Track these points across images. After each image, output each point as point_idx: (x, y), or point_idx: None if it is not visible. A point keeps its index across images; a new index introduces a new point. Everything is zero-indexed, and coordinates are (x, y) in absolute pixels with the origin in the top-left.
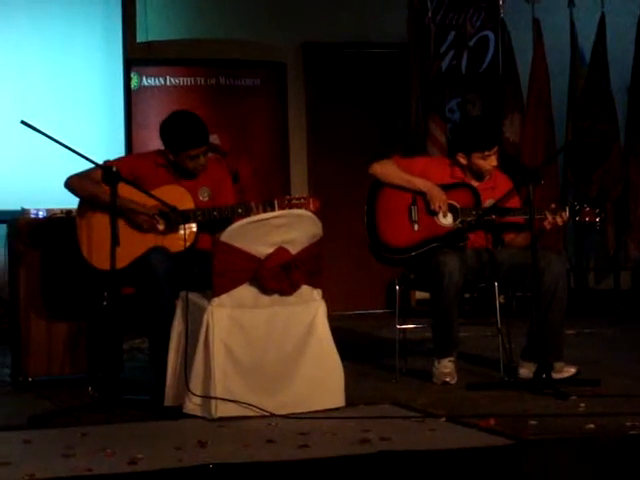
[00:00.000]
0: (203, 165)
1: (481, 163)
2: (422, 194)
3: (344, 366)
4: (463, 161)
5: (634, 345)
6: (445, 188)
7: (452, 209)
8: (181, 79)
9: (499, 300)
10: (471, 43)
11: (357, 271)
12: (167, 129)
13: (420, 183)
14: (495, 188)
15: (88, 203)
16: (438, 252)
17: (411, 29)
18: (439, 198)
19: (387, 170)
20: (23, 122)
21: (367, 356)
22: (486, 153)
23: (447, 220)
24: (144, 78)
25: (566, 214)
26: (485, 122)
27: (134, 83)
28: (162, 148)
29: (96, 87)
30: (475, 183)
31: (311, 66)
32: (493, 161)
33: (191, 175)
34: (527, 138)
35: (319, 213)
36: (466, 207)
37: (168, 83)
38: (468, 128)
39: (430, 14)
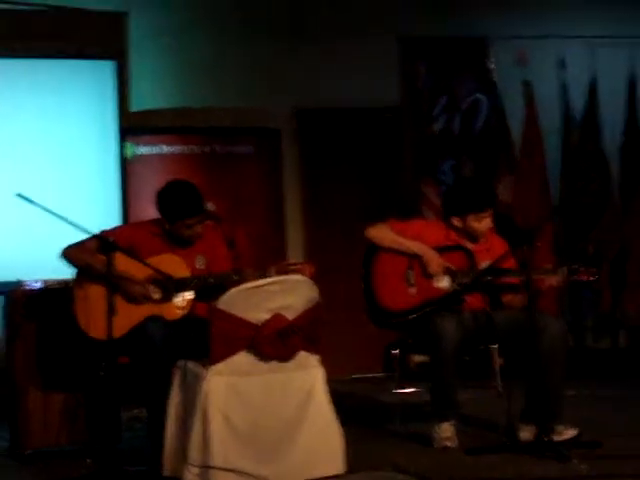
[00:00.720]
0: (199, 233)
1: (476, 225)
2: (418, 257)
3: (344, 430)
4: (458, 224)
5: (634, 405)
6: (440, 251)
7: (448, 271)
8: (176, 147)
9: (499, 362)
10: (463, 106)
11: (355, 335)
12: (163, 199)
13: (415, 246)
14: (490, 250)
15: (84, 273)
16: (435, 315)
17: (403, 93)
18: (435, 261)
19: (382, 234)
20: (19, 195)
21: (367, 420)
22: (480, 215)
23: (444, 283)
24: (138, 147)
25: (563, 275)
26: (479, 184)
27: (129, 152)
28: (157, 217)
29: (91, 157)
30: (470, 245)
31: (305, 131)
32: (488, 223)
33: (187, 243)
34: (519, 199)
35: (315, 278)
36: (462, 269)
37: (163, 151)
38: (462, 190)
39: (422, 79)
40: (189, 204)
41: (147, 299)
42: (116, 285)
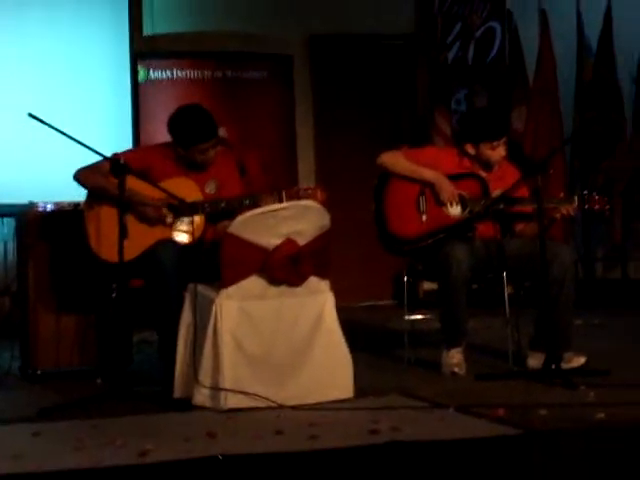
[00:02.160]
0: (212, 158)
1: (489, 153)
2: (430, 185)
3: (352, 357)
4: (471, 151)
5: None
6: (453, 178)
7: (460, 199)
8: (188, 72)
9: (507, 291)
10: (477, 34)
11: (365, 263)
12: (176, 124)
13: (429, 174)
14: (503, 178)
15: (96, 196)
16: (446, 243)
17: (418, 20)
18: (447, 189)
19: (395, 161)
20: (30, 115)
21: (375, 347)
22: (494, 143)
23: (455, 210)
24: (151, 71)
25: (575, 203)
26: (493, 112)
27: (141, 76)
28: (169, 141)
29: (103, 80)
30: (483, 173)
31: (318, 58)
32: (501, 151)
33: (199, 168)
34: (530, 128)
35: (326, 203)
36: (474, 197)
37: (175, 76)
38: (476, 118)
39: (437, 5)
40: (202, 129)
41: (160, 222)
42: (129, 206)
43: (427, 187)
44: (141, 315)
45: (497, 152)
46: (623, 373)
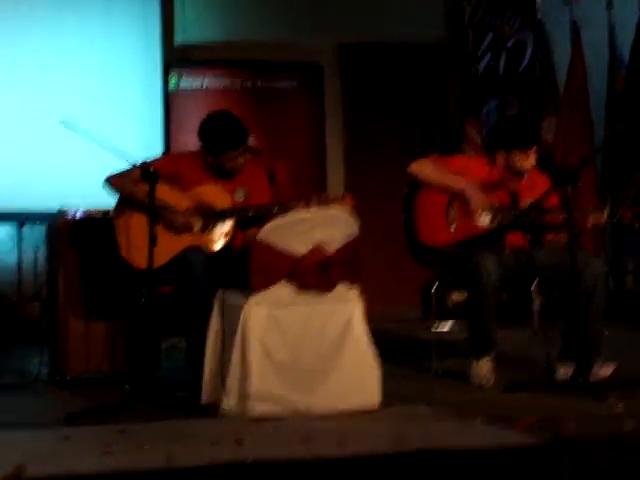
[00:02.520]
0: (242, 165)
1: (520, 162)
2: (460, 194)
3: (380, 367)
4: (502, 160)
5: None
6: (483, 188)
7: (490, 209)
8: (218, 81)
9: (537, 302)
10: (509, 45)
11: (394, 271)
12: (206, 131)
13: (459, 182)
14: (534, 187)
15: (126, 202)
16: (476, 252)
17: (449, 30)
18: (477, 198)
19: (425, 170)
20: (62, 122)
21: (403, 357)
22: (525, 152)
23: (485, 220)
24: (182, 80)
25: (605, 214)
26: (524, 121)
27: (172, 85)
28: (199, 148)
29: (135, 89)
30: (514, 182)
31: (348, 67)
32: (532, 160)
33: (229, 175)
34: (561, 139)
35: (355, 210)
36: (504, 207)
37: (205, 85)
38: (508, 127)
39: (468, 15)
40: (232, 136)
41: (188, 229)
42: (158, 214)
43: (457, 197)
44: (170, 322)
45: (528, 161)
46: None
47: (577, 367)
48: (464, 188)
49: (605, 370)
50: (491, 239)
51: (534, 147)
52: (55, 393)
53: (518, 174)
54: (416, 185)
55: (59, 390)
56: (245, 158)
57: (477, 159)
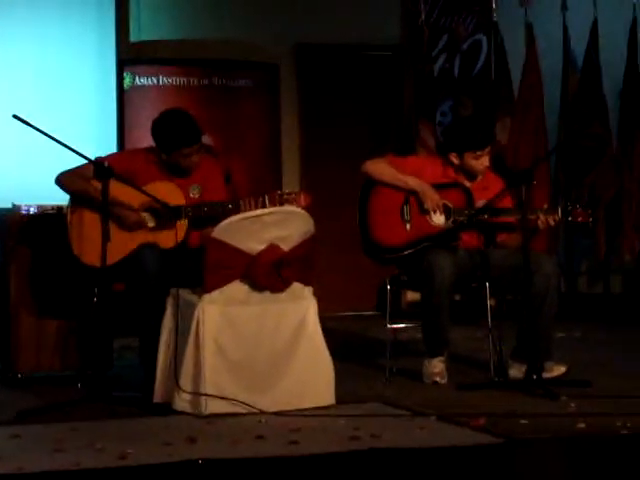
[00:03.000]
0: (196, 163)
1: (473, 163)
2: (414, 193)
3: (334, 366)
4: (456, 161)
5: (624, 348)
6: (438, 187)
7: (445, 209)
8: (174, 79)
9: (490, 302)
10: (464, 46)
11: (348, 272)
12: (159, 129)
13: (413, 182)
14: (488, 188)
15: (78, 200)
16: (430, 251)
17: (405, 31)
18: (432, 198)
19: (380, 169)
20: (15, 116)
21: (357, 356)
22: (478, 153)
23: (439, 220)
24: (137, 78)
25: (558, 214)
26: (478, 122)
27: (127, 82)
28: (153, 145)
29: (89, 86)
30: (467, 183)
31: (304, 67)
32: (485, 161)
33: (183, 173)
34: (514, 141)
35: (310, 209)
36: (458, 207)
37: (161, 83)
38: (461, 128)
39: (423, 16)
40: (185, 134)
41: (141, 227)
42: (110, 212)
43: (411, 195)
44: (123, 321)
45: (481, 162)
46: (603, 384)
47: (529, 366)
48: (418, 187)
49: (557, 370)
50: (446, 239)
51: (487, 148)
52: (6, 391)
53: (471, 175)
54: (370, 184)
55: (10, 388)
56: (200, 156)
57: (431, 159)
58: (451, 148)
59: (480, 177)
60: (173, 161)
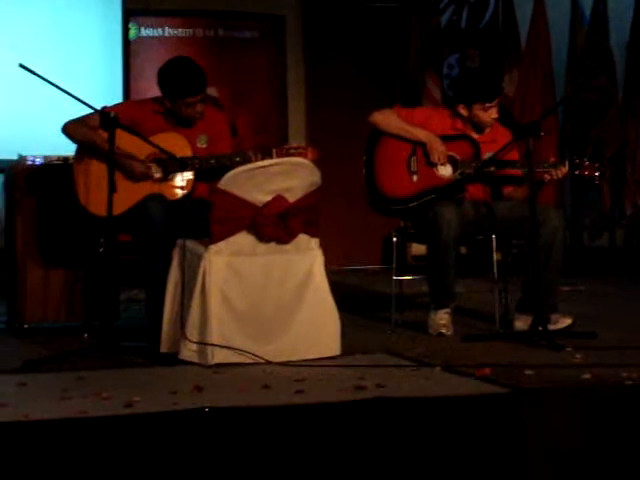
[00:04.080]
0: (200, 113)
1: (482, 115)
2: (422, 145)
3: (340, 318)
4: (464, 112)
5: (629, 300)
6: (445, 139)
7: (452, 160)
8: (179, 30)
9: (496, 256)
10: None
11: (354, 225)
12: (164, 76)
13: (421, 133)
14: (495, 141)
15: (85, 149)
16: (436, 203)
17: None
18: (439, 149)
19: (388, 119)
20: (22, 65)
21: (363, 308)
22: (487, 105)
23: (446, 171)
24: (142, 29)
25: (566, 167)
26: (487, 74)
27: (132, 33)
28: (159, 95)
29: (94, 37)
30: (475, 135)
31: (310, 19)
32: (494, 113)
33: (188, 123)
34: (521, 93)
35: (317, 163)
36: (466, 159)
37: (166, 34)
38: (470, 79)
39: None
40: (190, 82)
41: (148, 178)
42: (117, 162)
43: (419, 147)
44: (129, 272)
45: (489, 114)
46: (609, 336)
47: (534, 318)
48: (426, 138)
49: (563, 322)
50: (452, 191)
51: (496, 100)
52: (13, 341)
53: (479, 127)
54: (377, 135)
55: (17, 339)
56: (204, 106)
57: (439, 111)
58: (459, 100)
59: (488, 129)
60: (177, 110)
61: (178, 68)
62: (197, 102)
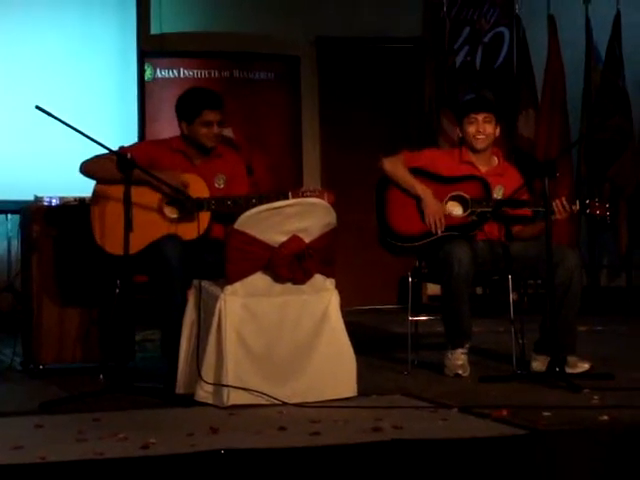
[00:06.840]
0: (217, 137)
1: (469, 129)
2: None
3: (356, 358)
4: (460, 133)
5: None
6: (455, 180)
7: (461, 200)
8: (195, 71)
9: (512, 296)
10: (486, 39)
11: (369, 266)
12: (182, 98)
13: (418, 189)
14: (503, 175)
15: (103, 189)
16: (447, 242)
17: (426, 23)
18: (433, 208)
19: (394, 169)
20: (38, 107)
21: (379, 349)
22: (473, 116)
23: (456, 211)
24: (158, 70)
25: (576, 206)
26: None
27: (148, 75)
28: (177, 135)
29: (110, 78)
30: (483, 168)
31: (325, 60)
32: (485, 129)
33: (206, 151)
34: (541, 134)
35: (333, 206)
36: (476, 198)
37: (182, 75)
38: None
39: (445, 9)
40: (208, 96)
41: (186, 187)
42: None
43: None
44: (144, 314)
45: (476, 128)
46: (626, 377)
47: (552, 359)
48: (422, 195)
49: (581, 367)
50: (467, 230)
51: (484, 114)
52: (28, 382)
53: (476, 150)
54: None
55: (32, 379)
56: (221, 130)
57: (447, 151)
58: (457, 123)
59: (494, 164)
60: (194, 134)
61: (195, 89)
62: (214, 122)
